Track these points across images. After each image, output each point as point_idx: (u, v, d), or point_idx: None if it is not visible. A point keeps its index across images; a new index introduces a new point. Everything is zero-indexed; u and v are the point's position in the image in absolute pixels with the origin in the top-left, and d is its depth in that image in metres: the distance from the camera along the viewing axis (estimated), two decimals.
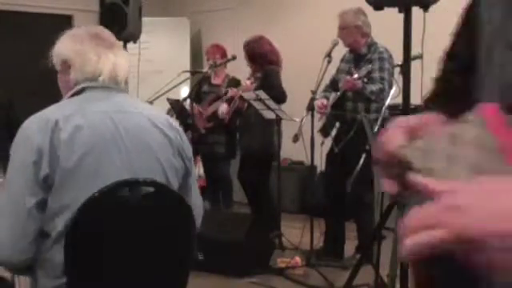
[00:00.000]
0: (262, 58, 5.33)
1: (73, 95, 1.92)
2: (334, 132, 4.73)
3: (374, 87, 4.46)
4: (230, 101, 5.53)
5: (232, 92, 5.45)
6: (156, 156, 1.94)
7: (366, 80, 4.42)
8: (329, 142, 4.77)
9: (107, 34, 1.98)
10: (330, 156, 4.81)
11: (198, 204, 2.12)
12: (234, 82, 5.62)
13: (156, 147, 1.94)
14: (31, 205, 1.77)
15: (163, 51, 7.70)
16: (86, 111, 1.85)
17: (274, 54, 5.40)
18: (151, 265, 1.92)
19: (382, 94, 4.45)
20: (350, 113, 4.60)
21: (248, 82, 5.35)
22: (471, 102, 0.79)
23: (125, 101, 1.96)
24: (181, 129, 2.10)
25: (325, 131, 4.71)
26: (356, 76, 4.43)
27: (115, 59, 1.90)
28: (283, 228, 5.17)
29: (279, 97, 5.07)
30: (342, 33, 4.70)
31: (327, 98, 4.76)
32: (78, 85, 1.90)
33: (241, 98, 5.39)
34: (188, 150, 2.06)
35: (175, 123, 2.10)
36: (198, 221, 2.06)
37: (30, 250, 1.81)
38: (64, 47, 1.92)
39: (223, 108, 5.51)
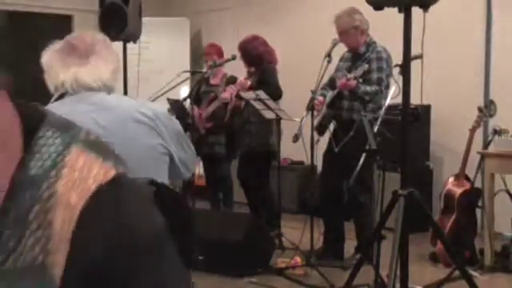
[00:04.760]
0: (258, 59, 5.34)
1: (56, 99, 2.04)
2: (330, 130, 4.73)
3: (368, 88, 4.46)
4: (227, 102, 5.54)
5: (228, 91, 5.44)
6: (140, 144, 2.00)
7: (361, 80, 4.43)
8: (324, 139, 4.77)
9: (85, 42, 2.03)
10: (327, 156, 4.81)
11: (191, 156, 2.25)
12: (232, 81, 5.62)
13: (139, 135, 2.01)
14: None
15: (163, 51, 7.70)
16: (71, 113, 1.94)
17: (269, 54, 5.40)
18: None
19: (377, 95, 4.45)
20: (346, 112, 4.61)
21: (242, 79, 5.35)
22: None
23: (103, 98, 2.01)
24: (162, 113, 2.16)
25: (320, 129, 4.71)
26: (352, 75, 4.43)
27: (78, 69, 1.98)
28: (283, 228, 5.16)
29: (275, 93, 5.06)
30: (342, 37, 4.68)
31: (324, 96, 4.77)
32: (56, 91, 2.03)
33: (238, 96, 5.39)
34: (168, 130, 2.12)
35: (157, 110, 2.16)
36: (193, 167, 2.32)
37: None
38: (43, 57, 2.06)
39: (225, 95, 5.48)
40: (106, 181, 0.57)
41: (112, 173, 0.58)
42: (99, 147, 0.60)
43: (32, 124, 0.59)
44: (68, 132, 0.60)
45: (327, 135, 4.73)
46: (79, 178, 0.57)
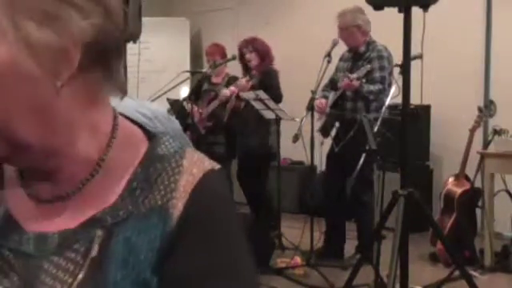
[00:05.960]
0: (269, 54, 5.34)
1: None
2: (333, 132, 4.74)
3: (372, 87, 4.46)
4: (226, 101, 5.54)
5: (229, 91, 5.45)
6: None
7: (364, 80, 4.43)
8: (329, 142, 4.77)
9: None
10: (330, 156, 4.81)
11: None
12: (234, 81, 5.63)
13: None
14: None
15: (163, 51, 7.70)
16: None
17: (270, 52, 5.41)
18: None
19: (381, 94, 4.45)
20: (350, 112, 4.60)
21: (243, 81, 5.35)
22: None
23: None
24: (161, 113, 2.11)
25: (324, 131, 4.71)
26: (355, 76, 4.43)
27: None
28: (283, 228, 5.17)
29: (275, 97, 5.06)
30: (342, 33, 4.69)
31: (326, 98, 4.76)
32: None
33: (238, 97, 5.39)
34: (167, 130, 2.09)
35: (156, 110, 2.11)
36: None
37: None
38: None
39: (225, 92, 5.47)
40: (216, 167, 0.82)
41: (219, 166, 0.83)
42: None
43: (151, 133, 0.85)
44: (179, 139, 0.86)
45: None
46: (198, 160, 0.81)
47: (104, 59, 0.77)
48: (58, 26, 0.71)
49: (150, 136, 0.85)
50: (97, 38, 0.74)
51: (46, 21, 0.71)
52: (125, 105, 2.26)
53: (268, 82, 5.19)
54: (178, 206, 0.76)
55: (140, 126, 0.87)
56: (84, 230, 0.77)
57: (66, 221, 0.78)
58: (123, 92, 0.84)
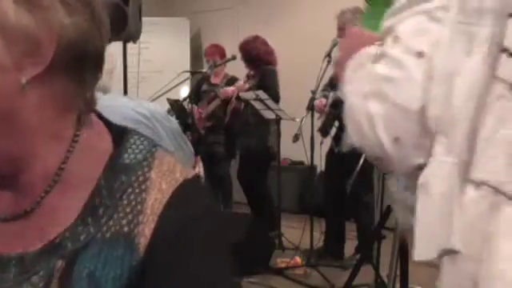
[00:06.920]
0: (258, 58, 5.34)
1: None
2: (333, 131, 4.74)
3: None
4: (227, 101, 5.55)
5: (228, 91, 5.45)
6: None
7: None
8: (328, 141, 4.77)
9: None
10: (330, 156, 4.81)
11: (189, 155, 2.27)
12: (233, 81, 5.63)
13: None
14: None
15: (163, 51, 7.70)
16: None
17: (269, 54, 5.40)
18: None
19: None
20: None
21: (241, 82, 5.37)
22: None
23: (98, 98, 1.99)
24: (159, 112, 2.13)
25: (324, 130, 4.71)
26: None
27: None
28: (283, 228, 5.17)
29: (272, 97, 5.06)
30: (341, 33, 4.69)
31: (326, 98, 4.76)
32: None
33: (238, 98, 5.39)
34: (165, 128, 2.10)
35: (154, 109, 2.13)
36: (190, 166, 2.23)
37: None
38: None
39: (225, 89, 5.47)
40: (189, 176, 0.71)
41: (193, 172, 0.72)
42: (173, 155, 0.76)
43: (118, 131, 0.75)
44: (149, 139, 0.75)
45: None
46: (167, 170, 0.71)
47: (79, 68, 0.68)
48: (38, 15, 0.64)
49: (117, 139, 0.74)
50: (76, 41, 0.66)
51: (27, 5, 0.63)
52: (122, 104, 2.26)
53: (265, 82, 5.20)
54: (144, 233, 0.67)
55: (110, 126, 0.77)
56: (42, 258, 0.68)
57: (26, 244, 0.69)
58: (90, 111, 0.74)
